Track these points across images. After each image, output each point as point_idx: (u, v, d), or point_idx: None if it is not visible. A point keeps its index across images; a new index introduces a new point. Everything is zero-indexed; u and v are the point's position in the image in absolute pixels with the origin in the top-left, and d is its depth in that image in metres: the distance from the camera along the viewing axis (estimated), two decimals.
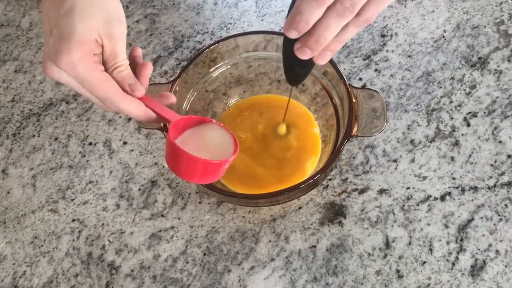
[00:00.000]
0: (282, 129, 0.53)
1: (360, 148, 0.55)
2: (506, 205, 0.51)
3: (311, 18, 0.33)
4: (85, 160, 0.58)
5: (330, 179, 0.54)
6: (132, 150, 0.58)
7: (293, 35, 0.34)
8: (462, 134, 0.55)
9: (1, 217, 0.56)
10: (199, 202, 0.54)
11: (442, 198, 0.52)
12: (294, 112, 0.55)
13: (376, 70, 0.59)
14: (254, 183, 0.52)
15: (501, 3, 0.62)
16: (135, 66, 0.40)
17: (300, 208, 0.53)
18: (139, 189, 0.56)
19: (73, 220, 0.55)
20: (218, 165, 0.39)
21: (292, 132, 0.54)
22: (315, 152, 0.54)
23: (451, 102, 0.57)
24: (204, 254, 0.51)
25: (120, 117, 0.60)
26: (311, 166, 0.53)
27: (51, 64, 0.36)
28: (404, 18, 0.63)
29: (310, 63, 0.38)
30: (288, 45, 0.36)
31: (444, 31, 0.61)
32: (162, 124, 0.47)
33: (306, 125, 0.55)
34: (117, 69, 0.38)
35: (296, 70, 0.40)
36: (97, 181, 0.57)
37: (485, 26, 0.61)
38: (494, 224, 0.50)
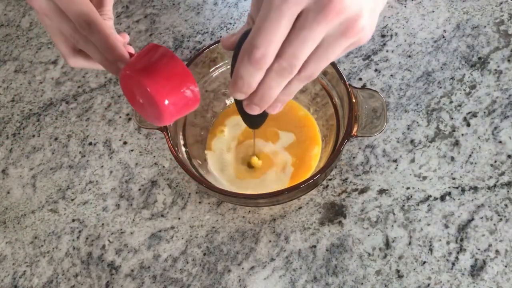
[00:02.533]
0: (255, 161, 0.53)
1: (360, 148, 0.55)
2: (506, 205, 0.51)
3: (252, 82, 0.32)
4: (85, 160, 0.58)
5: (330, 179, 0.54)
6: (132, 150, 0.58)
7: (239, 97, 0.34)
8: (462, 134, 0.55)
9: (1, 217, 0.56)
10: (199, 202, 0.54)
11: (442, 198, 0.52)
12: (295, 112, 0.55)
13: (376, 70, 0.59)
14: (254, 182, 0.52)
15: (501, 3, 0.62)
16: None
17: (300, 208, 0.53)
18: (139, 189, 0.56)
19: (73, 220, 0.55)
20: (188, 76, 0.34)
21: (293, 132, 0.54)
22: (316, 151, 0.54)
23: (451, 102, 0.57)
24: (204, 254, 0.51)
25: (120, 117, 0.60)
26: (312, 165, 0.53)
27: None
28: (404, 18, 0.63)
29: (264, 112, 0.38)
30: (239, 100, 0.36)
31: (444, 31, 0.61)
32: None
33: (306, 125, 0.55)
34: (102, 17, 0.37)
35: (253, 119, 0.41)
36: (97, 181, 0.57)
37: (485, 26, 0.61)
38: (494, 224, 0.50)
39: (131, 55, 0.38)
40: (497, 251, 0.49)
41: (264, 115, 0.39)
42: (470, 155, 0.53)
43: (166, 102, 0.33)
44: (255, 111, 0.35)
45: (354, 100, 0.45)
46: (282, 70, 0.31)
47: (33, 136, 0.61)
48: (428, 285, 0.48)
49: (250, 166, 0.53)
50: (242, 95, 0.34)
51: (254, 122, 0.42)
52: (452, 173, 0.53)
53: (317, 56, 0.32)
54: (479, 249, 0.49)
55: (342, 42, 0.31)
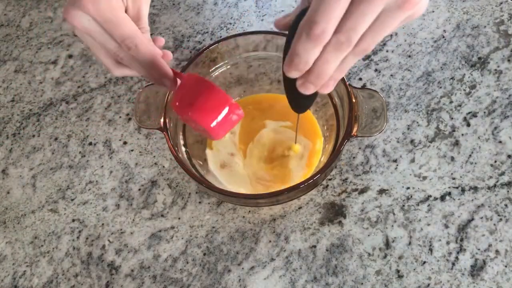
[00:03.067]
0: (296, 148, 0.54)
1: (360, 148, 0.55)
2: (506, 205, 0.51)
3: (309, 58, 0.33)
4: (85, 160, 0.58)
5: (330, 179, 0.54)
6: (132, 150, 0.58)
7: (294, 75, 0.34)
8: (462, 134, 0.55)
9: (1, 217, 0.56)
10: (199, 202, 0.54)
11: (442, 198, 0.52)
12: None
13: (376, 70, 0.59)
14: (254, 182, 0.52)
15: (501, 3, 0.62)
16: None
17: (300, 208, 0.53)
18: (139, 189, 0.56)
19: (73, 220, 0.55)
20: (230, 103, 0.40)
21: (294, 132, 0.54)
22: (317, 151, 0.54)
23: (451, 102, 0.57)
24: (204, 254, 0.51)
25: (120, 117, 0.60)
26: (312, 166, 0.53)
27: (72, 8, 0.37)
28: None
29: (314, 93, 0.38)
30: (291, 81, 0.36)
31: (444, 31, 0.61)
32: (162, 124, 0.47)
33: (309, 125, 0.55)
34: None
35: (301, 101, 0.41)
36: (97, 181, 0.57)
37: (485, 26, 0.61)
38: (494, 224, 0.50)
39: (164, 56, 0.43)
40: (497, 251, 0.49)
41: (313, 97, 0.40)
42: (470, 155, 0.53)
43: (213, 125, 0.40)
44: (309, 90, 0.35)
45: (354, 100, 0.45)
46: (340, 44, 0.32)
47: (33, 136, 0.61)
48: (428, 285, 0.48)
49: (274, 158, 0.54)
50: (297, 73, 0.34)
51: (303, 104, 0.42)
52: (452, 173, 0.53)
53: (374, 30, 0.32)
54: (479, 249, 0.49)
55: (399, 15, 0.32)
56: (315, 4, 0.31)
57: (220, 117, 0.40)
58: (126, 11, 0.38)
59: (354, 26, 0.31)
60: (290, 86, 0.38)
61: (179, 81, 0.42)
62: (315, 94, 0.38)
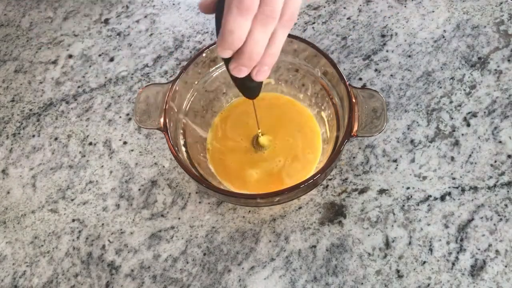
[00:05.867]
0: (263, 140, 0.53)
1: (360, 148, 0.55)
2: (506, 205, 0.51)
3: (242, 33, 0.33)
4: (85, 160, 0.58)
5: (330, 179, 0.54)
6: (132, 150, 0.58)
7: (227, 54, 0.34)
8: (462, 134, 0.55)
9: (1, 217, 0.56)
10: (199, 202, 0.54)
11: (442, 198, 0.52)
12: (295, 111, 0.55)
13: (376, 70, 0.59)
14: (254, 182, 0.52)
15: (501, 3, 0.62)
16: None
17: (300, 208, 0.53)
18: (139, 189, 0.56)
19: (73, 220, 0.55)
20: None
21: (294, 132, 0.54)
22: (316, 151, 0.54)
23: (451, 102, 0.57)
24: (204, 254, 0.51)
25: (120, 117, 0.60)
26: (312, 166, 0.53)
27: None
28: (404, 18, 0.63)
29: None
30: (227, 65, 0.37)
31: (444, 31, 0.61)
32: (162, 124, 0.47)
33: (308, 124, 0.55)
34: None
35: (246, 84, 0.40)
36: (97, 181, 0.57)
37: (485, 26, 0.61)
38: (494, 224, 0.50)
39: None
40: (497, 251, 0.49)
41: (258, 82, 0.39)
42: (470, 155, 0.53)
43: None
44: (242, 72, 0.35)
45: (354, 100, 0.45)
46: (266, 17, 0.32)
47: (33, 136, 0.61)
48: (428, 285, 0.48)
49: (257, 148, 0.53)
50: (230, 52, 0.34)
51: (250, 89, 0.41)
52: (452, 173, 0.53)
53: None
54: (479, 249, 0.49)
55: None
56: None
57: None
58: None
59: None
60: (232, 75, 0.38)
61: None
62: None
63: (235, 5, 0.31)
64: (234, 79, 0.39)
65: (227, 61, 0.36)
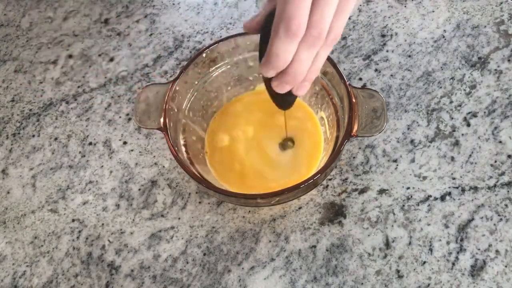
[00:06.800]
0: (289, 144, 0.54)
1: (360, 148, 0.55)
2: (506, 205, 0.51)
3: (288, 57, 0.33)
4: (85, 160, 0.58)
5: (330, 179, 0.54)
6: (132, 150, 0.58)
7: (271, 74, 0.35)
8: (462, 134, 0.55)
9: (1, 217, 0.56)
10: (199, 202, 0.54)
11: (442, 198, 0.52)
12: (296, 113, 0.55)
13: (376, 70, 0.59)
14: (254, 182, 0.52)
15: (501, 3, 0.62)
16: None
17: (300, 208, 0.53)
18: (139, 189, 0.56)
19: (73, 220, 0.55)
20: None
21: (295, 131, 0.54)
22: (317, 151, 0.54)
23: (451, 102, 0.57)
24: (204, 254, 0.51)
25: (120, 117, 0.60)
26: (312, 165, 0.53)
27: None
28: (404, 18, 0.63)
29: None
30: (268, 80, 0.37)
31: (444, 31, 0.61)
32: (162, 124, 0.47)
33: (309, 124, 0.55)
34: None
35: (284, 98, 0.41)
36: (97, 181, 0.57)
37: (485, 26, 0.61)
38: (494, 224, 0.50)
39: None
40: (497, 251, 0.49)
41: (294, 94, 0.40)
42: (470, 155, 0.53)
43: None
44: (285, 89, 0.36)
45: (354, 100, 0.45)
46: (313, 39, 0.32)
47: (33, 136, 0.61)
48: (428, 285, 0.48)
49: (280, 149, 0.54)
50: (274, 72, 0.34)
51: (286, 101, 0.42)
52: (452, 173, 0.53)
53: (339, 14, 0.32)
54: (479, 249, 0.49)
55: None
56: (283, 1, 0.31)
57: None
58: None
59: (322, 16, 0.31)
60: (269, 86, 0.38)
61: None
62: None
63: (283, 30, 0.31)
64: (272, 92, 0.39)
65: (267, 78, 0.36)
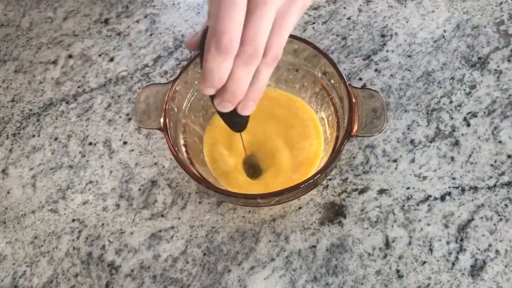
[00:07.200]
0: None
1: (360, 148, 0.55)
2: (506, 205, 0.51)
3: (222, 73, 0.32)
4: (85, 160, 0.58)
5: (330, 179, 0.54)
6: (132, 150, 0.58)
7: (210, 92, 0.34)
8: (462, 134, 0.55)
9: (1, 217, 0.56)
10: (199, 202, 0.54)
11: (442, 198, 0.52)
12: (295, 110, 0.55)
13: (376, 70, 0.59)
14: (254, 182, 0.52)
15: (501, 3, 0.62)
16: None
17: (300, 208, 0.53)
18: (139, 189, 0.56)
19: (73, 220, 0.55)
20: None
21: (294, 131, 0.54)
22: (317, 151, 0.54)
23: (451, 102, 0.57)
24: (204, 254, 0.51)
25: (120, 117, 0.60)
26: (312, 165, 0.53)
27: None
28: (404, 18, 0.63)
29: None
30: (212, 100, 0.36)
31: (444, 31, 0.61)
32: (162, 124, 0.47)
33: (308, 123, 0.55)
34: None
35: (232, 118, 0.40)
36: (97, 181, 0.57)
37: (485, 26, 0.61)
38: (494, 224, 0.50)
39: None
40: (497, 251, 0.49)
41: (244, 116, 0.39)
42: (470, 155, 0.53)
43: None
44: (227, 107, 0.35)
45: (354, 100, 0.45)
46: (248, 56, 0.31)
47: (33, 136, 0.61)
48: (428, 285, 0.48)
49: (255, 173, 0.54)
50: (212, 89, 0.34)
51: (236, 122, 0.41)
52: (452, 173, 0.53)
53: (276, 32, 0.32)
54: (479, 249, 0.49)
55: (294, 9, 0.32)
56: (214, 16, 0.30)
57: None
58: None
59: (256, 33, 0.31)
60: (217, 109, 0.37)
61: None
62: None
63: (214, 45, 0.30)
64: (220, 113, 0.38)
65: (212, 96, 0.36)
